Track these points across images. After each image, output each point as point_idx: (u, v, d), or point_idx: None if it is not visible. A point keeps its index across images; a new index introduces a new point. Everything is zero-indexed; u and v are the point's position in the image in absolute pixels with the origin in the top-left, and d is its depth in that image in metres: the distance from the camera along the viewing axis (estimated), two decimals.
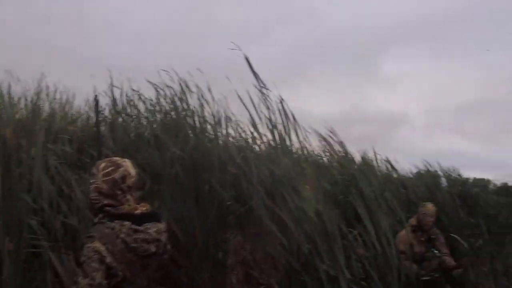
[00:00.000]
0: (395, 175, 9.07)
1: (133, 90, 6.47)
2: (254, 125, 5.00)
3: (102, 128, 5.96)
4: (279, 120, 4.79)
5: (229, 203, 4.85)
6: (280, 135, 4.81)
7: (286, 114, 4.71)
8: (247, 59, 4.48)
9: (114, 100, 6.36)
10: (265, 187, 4.45)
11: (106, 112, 6.51)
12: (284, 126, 4.77)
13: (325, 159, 7.19)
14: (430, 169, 10.04)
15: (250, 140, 5.69)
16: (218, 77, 5.50)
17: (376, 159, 8.73)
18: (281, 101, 4.72)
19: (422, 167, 10.21)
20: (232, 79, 4.98)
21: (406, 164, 10.51)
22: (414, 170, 10.20)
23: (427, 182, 9.15)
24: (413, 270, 5.80)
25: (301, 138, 5.16)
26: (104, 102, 6.45)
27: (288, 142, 4.78)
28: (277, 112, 4.76)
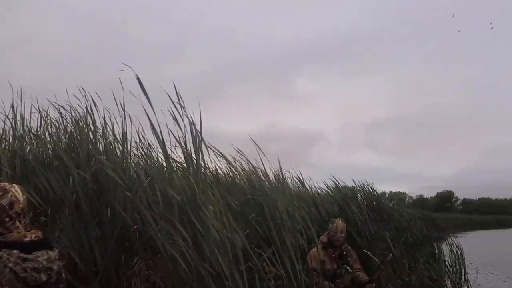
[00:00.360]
0: (309, 192, 9.19)
1: (40, 111, 6.22)
2: (161, 145, 4.86)
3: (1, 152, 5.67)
4: (188, 140, 4.68)
5: (136, 226, 4.71)
6: (187, 155, 4.70)
7: (195, 134, 4.60)
8: (138, 79, 4.36)
9: (15, 122, 6.06)
10: (167, 210, 4.33)
11: (9, 135, 6.21)
12: (192, 146, 4.66)
13: (236, 179, 7.12)
14: (339, 185, 10.22)
15: (157, 161, 5.57)
16: (132, 98, 5.36)
17: (291, 178, 8.85)
18: (191, 121, 4.61)
19: (334, 183, 10.41)
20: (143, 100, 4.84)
21: (324, 180, 10.65)
22: (326, 187, 10.36)
23: (338, 198, 9.30)
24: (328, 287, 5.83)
25: (209, 158, 5.09)
26: (7, 124, 6.16)
27: (195, 163, 4.66)
28: (186, 132, 4.65)
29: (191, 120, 4.62)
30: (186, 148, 4.72)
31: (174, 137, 4.69)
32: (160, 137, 4.58)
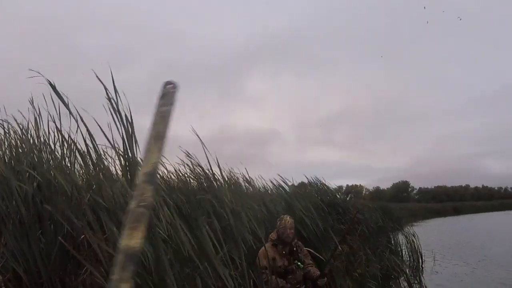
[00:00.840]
0: (259, 191, 9.21)
1: None
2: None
3: None
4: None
5: (83, 235, 4.61)
6: (119, 155, 4.60)
7: (126, 134, 4.48)
8: (51, 85, 4.27)
9: None
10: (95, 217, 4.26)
11: None
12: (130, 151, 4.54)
13: (186, 181, 7.09)
14: (287, 183, 10.26)
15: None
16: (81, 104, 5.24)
17: (243, 178, 8.84)
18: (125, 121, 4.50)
19: (282, 181, 10.43)
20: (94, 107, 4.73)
21: (272, 179, 10.66)
22: (274, 185, 10.38)
23: (286, 196, 9.32)
24: (278, 285, 5.82)
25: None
26: None
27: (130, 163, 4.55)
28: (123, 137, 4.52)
29: (125, 120, 4.49)
30: (125, 151, 4.61)
31: (108, 140, 4.57)
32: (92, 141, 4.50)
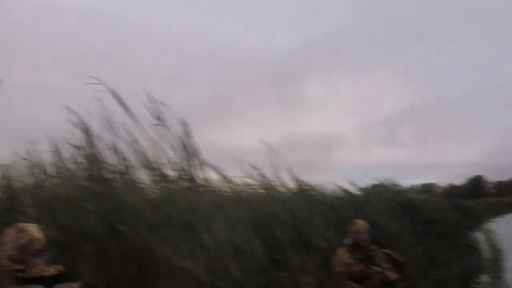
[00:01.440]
0: (330, 197, 9.14)
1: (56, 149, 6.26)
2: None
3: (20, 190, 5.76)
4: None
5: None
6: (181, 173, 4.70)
7: (193, 151, 4.58)
8: (114, 94, 4.38)
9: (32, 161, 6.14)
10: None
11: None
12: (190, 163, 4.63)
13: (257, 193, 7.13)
14: (358, 186, 10.11)
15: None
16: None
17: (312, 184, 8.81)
18: (185, 137, 4.60)
19: (352, 185, 10.26)
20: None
21: (342, 183, 10.52)
22: (344, 190, 10.22)
23: (357, 200, 9.17)
24: None
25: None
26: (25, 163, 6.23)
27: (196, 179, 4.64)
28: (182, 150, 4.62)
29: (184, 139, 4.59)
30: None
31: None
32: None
